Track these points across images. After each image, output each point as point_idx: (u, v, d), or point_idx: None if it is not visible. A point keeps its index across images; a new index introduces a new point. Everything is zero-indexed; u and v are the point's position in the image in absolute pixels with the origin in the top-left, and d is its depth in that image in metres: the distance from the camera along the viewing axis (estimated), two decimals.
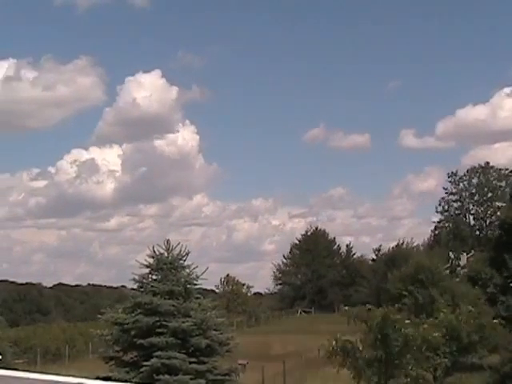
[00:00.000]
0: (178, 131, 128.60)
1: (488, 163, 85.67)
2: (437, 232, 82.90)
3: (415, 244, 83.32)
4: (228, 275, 76.15)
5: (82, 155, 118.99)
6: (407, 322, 20.14)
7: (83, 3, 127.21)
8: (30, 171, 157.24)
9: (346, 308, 21.66)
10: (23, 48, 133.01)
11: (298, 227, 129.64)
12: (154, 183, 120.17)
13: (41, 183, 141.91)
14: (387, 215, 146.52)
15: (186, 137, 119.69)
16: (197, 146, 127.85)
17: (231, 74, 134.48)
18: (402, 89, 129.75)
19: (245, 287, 77.30)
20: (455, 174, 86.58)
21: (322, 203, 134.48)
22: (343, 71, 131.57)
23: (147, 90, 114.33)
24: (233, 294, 72.44)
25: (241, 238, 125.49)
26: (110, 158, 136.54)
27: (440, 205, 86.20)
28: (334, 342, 20.08)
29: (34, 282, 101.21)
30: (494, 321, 26.28)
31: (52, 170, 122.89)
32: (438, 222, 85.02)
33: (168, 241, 18.16)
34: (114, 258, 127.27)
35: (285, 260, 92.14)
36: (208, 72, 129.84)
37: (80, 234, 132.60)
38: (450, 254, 65.41)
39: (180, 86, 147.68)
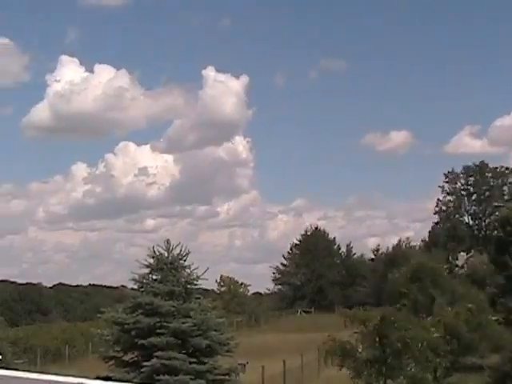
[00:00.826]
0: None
1: (483, 161, 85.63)
2: (434, 232, 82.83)
3: (413, 244, 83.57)
4: (222, 276, 76.05)
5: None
6: (406, 321, 20.16)
7: None
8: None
9: (342, 309, 21.64)
10: None
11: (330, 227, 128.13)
12: (201, 185, 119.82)
13: (89, 184, 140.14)
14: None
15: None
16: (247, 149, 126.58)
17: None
18: None
19: (242, 287, 77.30)
20: (452, 173, 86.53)
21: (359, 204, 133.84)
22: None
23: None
24: (230, 294, 72.35)
25: (275, 238, 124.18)
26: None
27: (437, 205, 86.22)
28: (332, 343, 20.11)
29: (34, 281, 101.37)
30: (493, 318, 26.31)
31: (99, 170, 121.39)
32: (436, 223, 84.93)
33: (168, 241, 18.18)
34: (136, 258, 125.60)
35: (285, 260, 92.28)
36: None
37: (111, 234, 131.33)
38: (448, 254, 65.42)
39: None
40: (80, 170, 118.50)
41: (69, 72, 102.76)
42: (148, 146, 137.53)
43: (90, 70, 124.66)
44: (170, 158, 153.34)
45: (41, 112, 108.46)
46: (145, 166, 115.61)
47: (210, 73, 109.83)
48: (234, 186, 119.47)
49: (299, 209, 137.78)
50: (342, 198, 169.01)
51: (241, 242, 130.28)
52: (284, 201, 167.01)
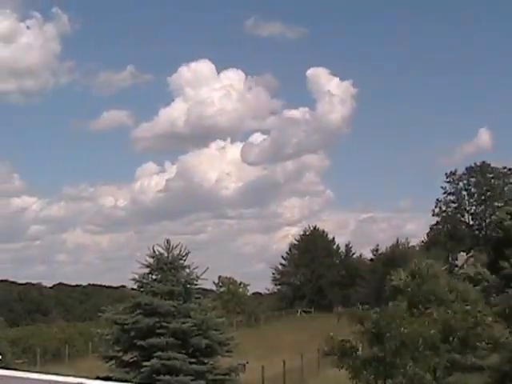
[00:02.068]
0: None
1: (484, 162, 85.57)
2: (434, 233, 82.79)
3: (412, 244, 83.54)
4: (220, 276, 76.03)
5: None
6: (404, 319, 20.16)
7: None
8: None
9: (339, 308, 21.66)
10: None
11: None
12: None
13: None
14: None
15: None
16: None
17: None
18: None
19: (241, 286, 77.28)
20: (454, 174, 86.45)
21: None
22: None
23: None
24: (229, 294, 72.34)
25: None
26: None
27: (437, 206, 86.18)
28: (331, 343, 20.12)
29: (33, 282, 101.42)
30: (489, 318, 26.29)
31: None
32: (436, 224, 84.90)
33: (168, 240, 18.19)
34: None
35: (284, 260, 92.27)
36: None
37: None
38: (448, 253, 65.42)
39: None
40: None
41: None
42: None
43: None
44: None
45: None
46: None
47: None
48: None
49: None
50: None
51: None
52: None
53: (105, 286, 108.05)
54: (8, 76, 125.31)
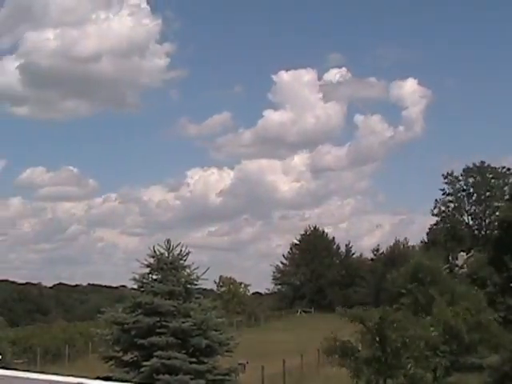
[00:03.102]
0: None
1: (483, 162, 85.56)
2: (433, 233, 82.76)
3: (412, 244, 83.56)
4: (221, 276, 76.04)
5: None
6: (405, 321, 20.17)
7: None
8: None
9: (342, 309, 21.62)
10: None
11: None
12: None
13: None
14: None
15: None
16: None
17: None
18: None
19: (242, 286, 77.29)
20: (451, 175, 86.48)
21: None
22: None
23: None
24: (230, 294, 72.36)
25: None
26: None
27: (436, 207, 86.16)
28: (332, 342, 20.12)
29: (34, 282, 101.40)
30: (491, 317, 26.28)
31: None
32: (435, 225, 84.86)
33: (168, 240, 18.18)
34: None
35: (284, 260, 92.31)
36: None
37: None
38: (448, 253, 65.38)
39: None
40: None
41: None
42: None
43: None
44: None
45: None
46: None
47: None
48: None
49: None
50: None
51: None
52: None
53: (105, 286, 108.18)
54: None
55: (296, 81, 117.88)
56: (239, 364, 23.85)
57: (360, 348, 20.40)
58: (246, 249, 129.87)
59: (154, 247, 17.99)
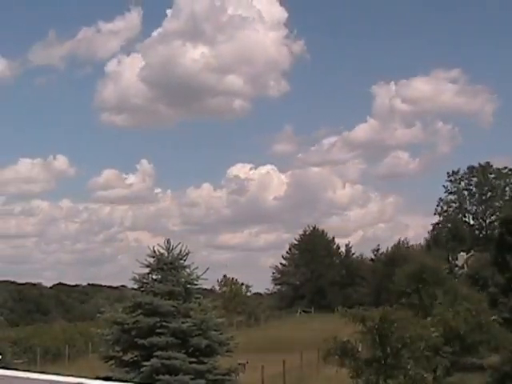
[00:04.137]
0: None
1: (488, 162, 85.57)
2: (435, 232, 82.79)
3: (412, 244, 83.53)
4: (225, 276, 76.13)
5: None
6: (406, 321, 20.15)
7: None
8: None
9: (343, 309, 21.59)
10: None
11: None
12: None
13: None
14: None
15: None
16: None
17: None
18: None
19: (243, 287, 77.38)
20: (455, 174, 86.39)
21: None
22: None
23: None
24: (231, 294, 72.45)
25: None
26: None
27: (438, 205, 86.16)
28: (332, 343, 20.11)
29: (33, 282, 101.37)
30: (493, 318, 26.29)
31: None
32: (437, 224, 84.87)
33: (168, 240, 18.17)
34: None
35: (284, 260, 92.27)
36: None
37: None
38: (448, 253, 65.38)
39: None
40: None
41: None
42: None
43: None
44: None
45: None
46: None
47: None
48: None
49: None
50: None
51: None
52: None
53: (105, 285, 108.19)
54: None
55: None
56: (239, 364, 23.83)
57: (360, 348, 20.40)
58: None
59: (153, 247, 18.01)
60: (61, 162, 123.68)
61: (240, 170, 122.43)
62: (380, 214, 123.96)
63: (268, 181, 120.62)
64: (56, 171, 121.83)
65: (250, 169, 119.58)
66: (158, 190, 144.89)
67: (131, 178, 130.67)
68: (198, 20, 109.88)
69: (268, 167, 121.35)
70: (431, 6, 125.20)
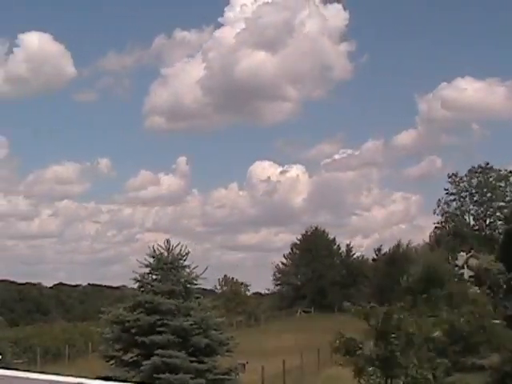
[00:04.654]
0: None
1: (488, 164, 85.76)
2: (437, 232, 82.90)
3: (414, 244, 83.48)
4: (225, 275, 76.20)
5: None
6: (410, 320, 20.15)
7: None
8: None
9: (348, 304, 21.53)
10: None
11: None
12: None
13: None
14: None
15: None
16: None
17: None
18: None
19: (243, 287, 77.38)
20: (456, 175, 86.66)
21: None
22: None
23: None
24: (231, 294, 72.42)
25: None
26: None
27: (439, 206, 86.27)
28: (337, 340, 20.12)
29: (33, 282, 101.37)
30: (496, 321, 26.31)
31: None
32: (438, 224, 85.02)
33: (168, 240, 18.18)
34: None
35: (285, 260, 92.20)
36: None
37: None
38: (448, 254, 65.40)
39: None
40: None
41: None
42: None
43: None
44: None
45: None
46: None
47: None
48: None
49: None
50: None
51: None
52: None
53: (105, 285, 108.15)
54: None
55: None
56: (239, 364, 23.80)
57: (363, 346, 20.37)
58: None
59: (153, 247, 18.02)
60: (103, 164, 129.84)
61: (269, 171, 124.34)
62: (403, 215, 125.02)
63: (296, 183, 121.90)
64: (98, 173, 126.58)
65: (281, 172, 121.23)
66: (190, 191, 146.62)
67: (166, 179, 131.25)
68: (260, 26, 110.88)
69: (297, 169, 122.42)
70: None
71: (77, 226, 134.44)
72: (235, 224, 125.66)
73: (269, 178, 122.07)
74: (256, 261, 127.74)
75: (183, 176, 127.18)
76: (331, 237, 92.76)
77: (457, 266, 61.74)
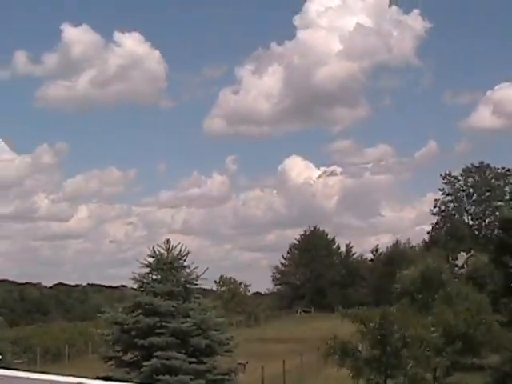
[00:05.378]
0: None
1: (482, 163, 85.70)
2: (433, 233, 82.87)
3: (412, 244, 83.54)
4: (222, 276, 76.13)
5: None
6: (407, 321, 20.15)
7: None
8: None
9: (343, 310, 21.63)
10: None
11: None
12: None
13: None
14: None
15: None
16: None
17: None
18: None
19: (242, 286, 77.35)
20: (449, 175, 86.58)
21: None
22: None
23: None
24: (230, 294, 72.43)
25: None
26: None
27: (435, 206, 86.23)
28: (332, 342, 20.12)
29: (33, 282, 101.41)
30: (495, 319, 26.30)
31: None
32: (436, 224, 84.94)
33: (168, 240, 18.18)
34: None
35: (284, 260, 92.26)
36: None
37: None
38: (448, 253, 65.36)
39: None
40: None
41: None
42: None
43: None
44: None
45: None
46: None
47: None
48: None
49: None
50: None
51: None
52: None
53: (105, 285, 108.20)
54: None
55: None
56: (239, 364, 23.81)
57: (360, 348, 20.39)
58: None
59: (153, 247, 18.03)
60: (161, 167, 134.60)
61: (306, 173, 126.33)
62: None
63: (332, 185, 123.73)
64: (154, 176, 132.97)
65: (319, 176, 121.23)
66: (230, 194, 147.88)
67: (211, 181, 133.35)
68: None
69: (335, 172, 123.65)
70: None
71: (105, 226, 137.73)
72: (263, 225, 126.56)
73: (308, 180, 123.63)
74: (270, 261, 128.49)
75: (232, 177, 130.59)
76: (331, 237, 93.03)
77: (456, 266, 61.73)
